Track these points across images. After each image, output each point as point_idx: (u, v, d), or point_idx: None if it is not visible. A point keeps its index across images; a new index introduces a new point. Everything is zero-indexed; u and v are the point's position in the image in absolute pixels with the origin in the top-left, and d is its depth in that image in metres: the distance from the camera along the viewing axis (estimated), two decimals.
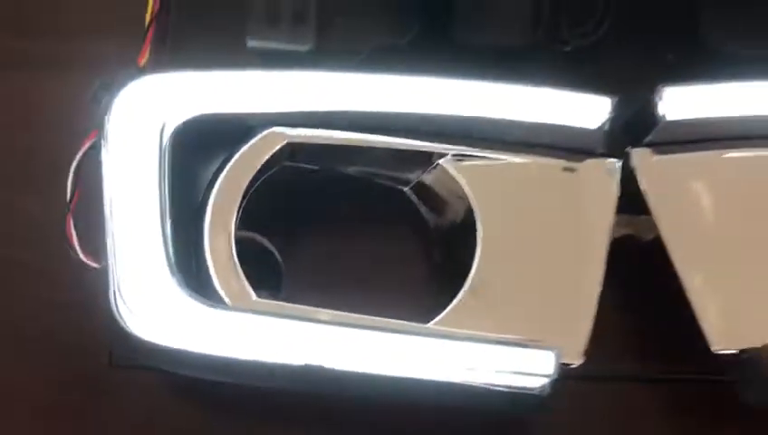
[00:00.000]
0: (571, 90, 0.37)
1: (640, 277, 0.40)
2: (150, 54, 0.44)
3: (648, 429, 0.41)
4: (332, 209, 0.41)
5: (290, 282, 0.40)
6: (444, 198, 0.39)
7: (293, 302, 0.37)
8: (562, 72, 0.44)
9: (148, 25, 0.45)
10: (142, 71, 0.42)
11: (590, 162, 0.39)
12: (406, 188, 0.40)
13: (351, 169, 0.39)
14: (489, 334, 0.35)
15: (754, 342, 0.36)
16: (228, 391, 0.40)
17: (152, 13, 0.45)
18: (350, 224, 0.41)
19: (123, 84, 0.37)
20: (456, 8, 0.43)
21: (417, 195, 0.40)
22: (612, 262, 0.38)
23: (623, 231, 0.39)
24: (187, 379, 0.39)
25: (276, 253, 0.40)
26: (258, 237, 0.40)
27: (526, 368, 0.34)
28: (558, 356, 0.34)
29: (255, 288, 0.37)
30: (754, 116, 0.38)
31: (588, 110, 0.38)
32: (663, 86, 0.38)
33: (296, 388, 0.36)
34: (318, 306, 0.36)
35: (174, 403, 0.43)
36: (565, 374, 0.35)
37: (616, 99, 0.38)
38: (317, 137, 0.37)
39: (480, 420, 0.39)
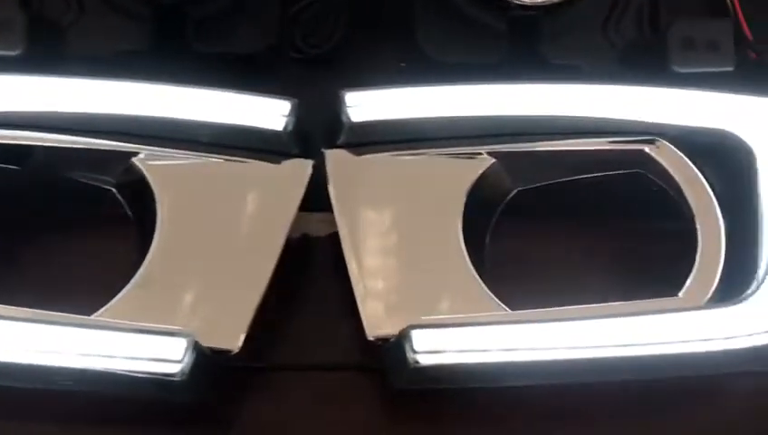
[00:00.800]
0: (257, 94, 0.39)
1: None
2: None
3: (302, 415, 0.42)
4: (47, 211, 0.43)
5: None
6: (142, 196, 0.41)
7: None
8: (297, 78, 0.47)
9: None
10: None
11: (284, 163, 0.40)
12: (113, 188, 0.42)
13: (58, 170, 0.41)
14: (133, 324, 0.36)
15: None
16: None
17: None
18: (63, 224, 0.43)
19: None
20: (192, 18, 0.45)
21: (121, 194, 0.42)
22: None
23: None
24: None
25: None
26: None
27: (159, 354, 0.35)
28: (191, 343, 0.36)
29: None
30: (435, 118, 0.40)
31: (271, 112, 0.39)
32: (345, 90, 0.40)
33: None
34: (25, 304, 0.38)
35: None
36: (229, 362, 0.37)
37: (296, 101, 0.40)
38: (16, 136, 0.39)
39: None
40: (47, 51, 0.43)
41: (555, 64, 0.45)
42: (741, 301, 0.37)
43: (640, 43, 0.46)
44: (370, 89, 0.40)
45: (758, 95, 0.41)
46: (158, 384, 0.36)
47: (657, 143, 0.40)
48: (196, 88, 0.39)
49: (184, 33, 0.45)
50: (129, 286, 0.37)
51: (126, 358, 0.35)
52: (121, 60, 0.45)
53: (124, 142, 0.40)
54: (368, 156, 0.41)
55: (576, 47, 0.45)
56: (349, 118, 0.40)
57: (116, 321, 0.36)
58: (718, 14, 0.48)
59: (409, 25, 0.46)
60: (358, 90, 0.40)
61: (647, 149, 0.40)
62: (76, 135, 0.39)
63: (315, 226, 0.43)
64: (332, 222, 0.41)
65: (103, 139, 0.40)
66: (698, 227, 0.39)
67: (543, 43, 0.45)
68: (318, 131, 0.42)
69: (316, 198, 0.41)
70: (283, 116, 0.39)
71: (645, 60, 0.44)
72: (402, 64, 0.48)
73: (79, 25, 0.45)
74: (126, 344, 0.35)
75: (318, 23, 0.47)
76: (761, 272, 0.38)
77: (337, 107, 0.40)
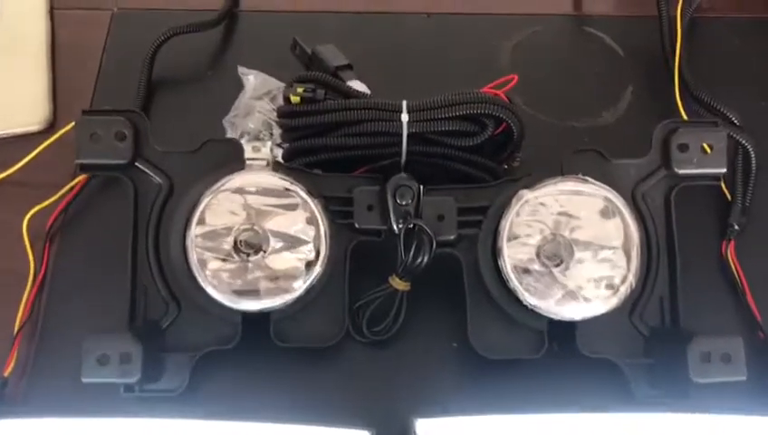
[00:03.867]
0: (336, 425, 0.46)
1: None
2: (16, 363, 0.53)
3: None
4: None
5: None
6: None
7: None
8: (363, 359, 0.54)
9: (16, 334, 0.54)
10: (4, 383, 0.52)
11: None
12: None
13: None
14: None
15: None
16: None
17: (21, 320, 0.54)
18: None
19: None
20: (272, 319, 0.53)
21: None
22: None
23: None
24: None
25: None
26: None
27: None
28: None
29: None
30: None
31: None
32: (416, 417, 0.47)
33: None
34: None
35: None
36: None
37: (374, 430, 0.47)
38: None
39: None
40: (150, 351, 0.50)
41: (588, 357, 0.52)
42: None
43: (662, 333, 0.53)
44: (438, 416, 0.47)
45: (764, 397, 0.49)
46: None
47: None
48: (295, 425, 0.46)
49: (266, 332, 0.53)
50: None
51: None
52: (213, 354, 0.52)
53: None
54: None
55: (606, 341, 0.53)
56: None
57: None
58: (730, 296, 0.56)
59: (461, 312, 0.53)
60: (427, 417, 0.47)
61: None
62: None
63: None
64: None
65: None
66: None
67: (578, 339, 0.52)
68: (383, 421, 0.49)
69: None
70: None
71: (664, 354, 0.52)
72: (454, 345, 0.55)
73: (176, 324, 0.53)
74: None
75: (379, 313, 0.55)
76: None
77: (409, 432, 0.47)
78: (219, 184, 0.52)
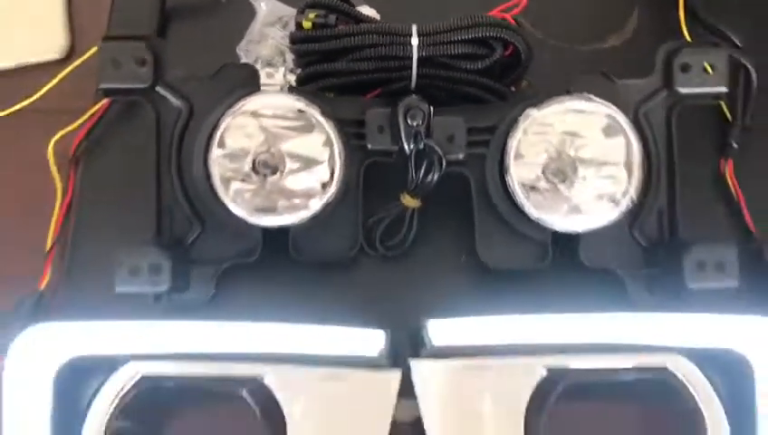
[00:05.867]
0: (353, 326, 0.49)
1: None
2: (50, 277, 0.56)
3: None
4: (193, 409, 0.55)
5: None
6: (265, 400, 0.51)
7: None
8: (375, 272, 0.57)
9: (49, 249, 0.57)
10: (40, 295, 0.55)
11: (379, 373, 0.51)
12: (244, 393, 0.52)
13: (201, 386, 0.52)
14: None
15: None
16: None
17: (52, 237, 0.57)
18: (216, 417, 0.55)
19: (20, 330, 0.49)
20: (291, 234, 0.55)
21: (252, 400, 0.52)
22: None
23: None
24: None
25: None
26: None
27: None
28: None
29: None
30: (498, 345, 0.50)
31: (369, 342, 0.50)
32: (428, 318, 0.50)
33: None
34: None
35: None
36: None
37: (388, 331, 0.50)
38: (164, 367, 0.50)
39: None
40: (177, 264, 0.53)
41: (591, 268, 0.55)
42: None
43: (660, 244, 0.56)
44: (448, 317, 0.50)
45: (756, 306, 0.52)
46: None
47: (676, 358, 0.50)
48: (313, 326, 0.50)
49: (285, 247, 0.56)
50: None
51: None
52: (236, 269, 0.56)
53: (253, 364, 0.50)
54: (446, 363, 0.51)
55: (607, 252, 0.55)
56: (431, 341, 0.50)
57: None
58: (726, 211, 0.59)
59: (470, 229, 0.56)
60: (438, 320, 0.50)
61: (668, 364, 0.50)
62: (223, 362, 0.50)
63: (402, 411, 0.52)
64: (417, 409, 0.51)
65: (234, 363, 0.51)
66: (707, 422, 0.50)
67: (581, 251, 0.55)
68: (397, 329, 0.52)
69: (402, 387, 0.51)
70: (378, 345, 0.50)
71: (663, 264, 0.55)
72: (463, 259, 0.58)
73: (200, 240, 0.56)
74: None
75: (392, 229, 0.58)
76: None
77: (422, 330, 0.50)
78: (237, 106, 0.54)
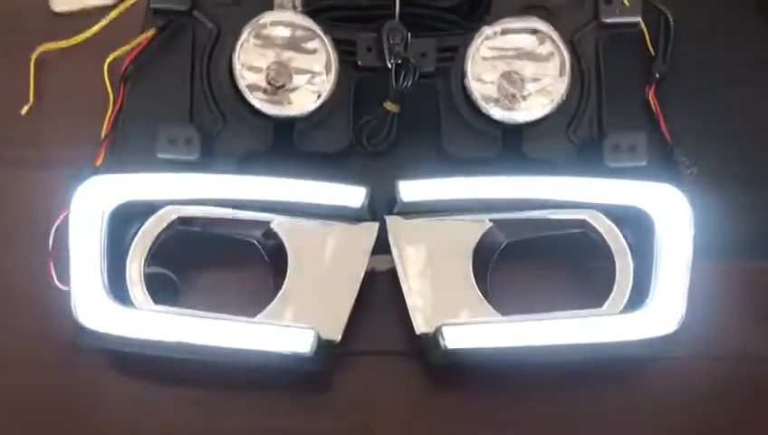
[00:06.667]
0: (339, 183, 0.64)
1: None
2: (104, 158, 0.71)
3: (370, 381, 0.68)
4: (216, 253, 0.69)
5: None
6: (272, 246, 0.65)
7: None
8: (364, 166, 0.71)
9: (104, 139, 0.72)
10: (96, 170, 0.69)
11: (361, 225, 0.65)
12: (255, 241, 0.66)
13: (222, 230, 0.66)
14: (280, 322, 0.62)
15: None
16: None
17: (106, 130, 0.72)
18: (233, 260, 0.69)
19: (82, 181, 0.64)
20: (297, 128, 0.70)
21: (261, 246, 0.66)
22: None
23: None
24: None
25: (176, 279, 0.66)
26: (164, 271, 0.66)
27: (294, 343, 0.61)
28: (315, 335, 0.61)
29: (159, 300, 0.64)
30: (455, 199, 0.64)
31: (352, 195, 0.64)
32: (399, 180, 0.64)
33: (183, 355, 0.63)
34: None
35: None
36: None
37: (369, 187, 0.64)
38: (195, 210, 0.64)
39: None
40: (205, 142, 0.68)
41: (533, 159, 0.69)
42: (640, 309, 0.61)
43: (589, 143, 0.70)
44: (415, 179, 0.64)
45: (660, 181, 0.66)
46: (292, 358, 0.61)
47: (594, 214, 0.64)
48: (309, 181, 0.64)
49: (291, 142, 0.70)
50: (274, 301, 0.63)
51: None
52: (249, 158, 0.70)
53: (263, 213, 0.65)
54: (414, 220, 0.65)
55: (547, 147, 0.69)
56: (401, 198, 0.64)
57: (267, 321, 0.62)
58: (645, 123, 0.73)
59: (438, 132, 0.71)
60: (407, 180, 0.64)
61: (587, 217, 0.64)
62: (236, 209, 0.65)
63: (380, 263, 0.67)
64: (391, 261, 0.65)
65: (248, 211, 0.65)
66: (617, 265, 0.63)
67: (525, 145, 0.69)
68: (381, 203, 0.67)
69: (380, 245, 0.65)
70: (360, 198, 0.64)
71: (591, 157, 0.69)
72: (432, 155, 0.72)
73: (224, 133, 0.70)
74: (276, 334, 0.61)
75: (377, 129, 0.72)
76: (652, 292, 0.62)
77: (394, 189, 0.64)
78: (256, 19, 0.69)
